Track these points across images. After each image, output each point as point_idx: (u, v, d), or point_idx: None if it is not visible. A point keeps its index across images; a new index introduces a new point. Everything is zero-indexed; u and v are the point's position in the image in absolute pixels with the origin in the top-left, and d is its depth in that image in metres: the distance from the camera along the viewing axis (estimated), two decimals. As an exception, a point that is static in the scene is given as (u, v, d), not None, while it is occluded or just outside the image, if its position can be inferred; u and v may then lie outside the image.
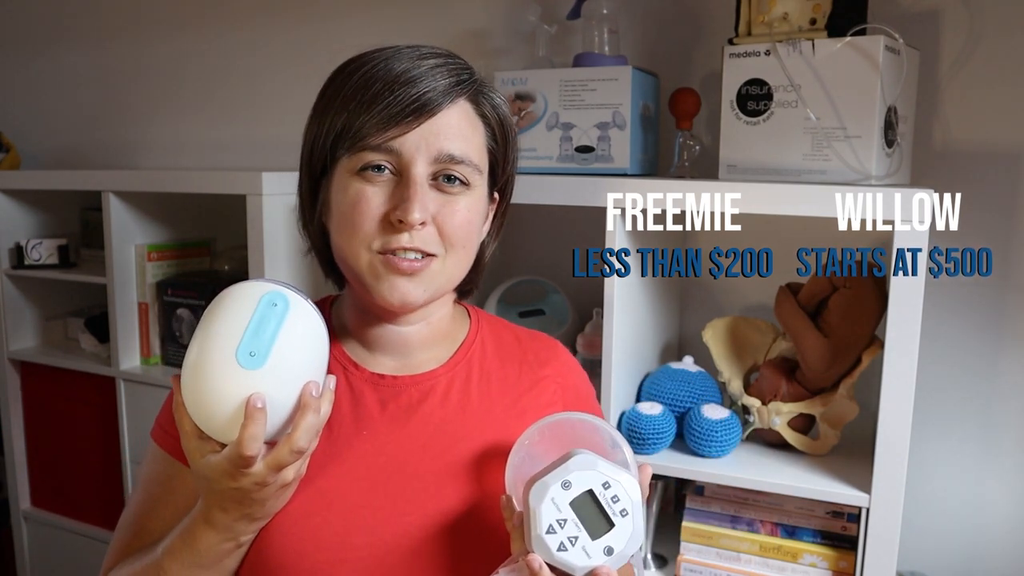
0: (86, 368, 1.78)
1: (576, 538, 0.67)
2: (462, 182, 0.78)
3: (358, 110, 0.75)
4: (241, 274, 1.62)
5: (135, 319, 1.73)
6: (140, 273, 1.73)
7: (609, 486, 0.68)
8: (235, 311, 0.68)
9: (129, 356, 1.73)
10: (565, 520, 0.67)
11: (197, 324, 0.70)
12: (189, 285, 1.69)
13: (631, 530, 0.68)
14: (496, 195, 0.87)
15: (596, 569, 0.67)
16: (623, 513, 0.68)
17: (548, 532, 0.67)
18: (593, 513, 0.67)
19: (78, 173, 1.74)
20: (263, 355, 0.66)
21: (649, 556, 1.30)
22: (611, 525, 0.67)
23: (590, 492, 0.68)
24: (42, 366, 1.87)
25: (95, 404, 1.80)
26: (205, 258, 1.87)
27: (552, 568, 0.67)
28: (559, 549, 0.66)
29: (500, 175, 0.85)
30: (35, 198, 1.93)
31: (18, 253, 1.87)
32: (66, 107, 2.19)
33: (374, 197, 0.75)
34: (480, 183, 0.80)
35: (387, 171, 0.76)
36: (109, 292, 1.69)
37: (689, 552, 1.23)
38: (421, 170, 0.75)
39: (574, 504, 0.67)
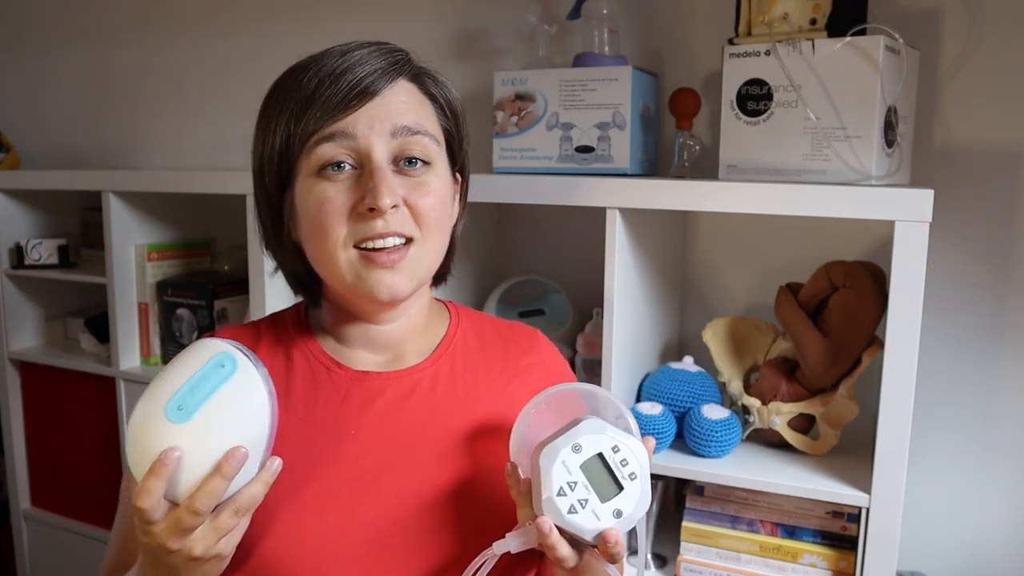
0: (86, 368, 1.78)
1: (586, 501, 0.67)
2: (423, 161, 0.77)
3: (300, 111, 0.74)
4: (241, 274, 1.63)
5: (135, 319, 1.73)
6: (140, 273, 1.73)
7: (619, 450, 0.68)
8: (184, 365, 0.67)
9: (129, 356, 1.73)
10: (575, 483, 0.67)
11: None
12: (189, 285, 1.69)
13: (640, 493, 0.68)
14: (457, 176, 0.86)
15: (605, 532, 0.67)
16: (632, 476, 0.68)
17: (559, 495, 0.67)
18: (603, 476, 0.68)
19: (78, 173, 1.74)
20: (190, 411, 0.65)
21: (649, 556, 1.30)
22: (620, 488, 0.68)
23: (600, 455, 0.68)
24: (42, 366, 1.87)
25: (95, 404, 1.80)
26: (205, 258, 1.87)
27: (561, 531, 0.67)
28: (569, 512, 0.67)
29: (458, 153, 0.84)
30: (35, 198, 1.93)
31: (18, 253, 1.87)
32: (66, 107, 2.19)
33: (338, 194, 0.74)
34: (441, 159, 0.80)
35: (347, 166, 0.75)
36: (109, 292, 1.70)
37: (689, 552, 1.23)
38: (381, 153, 0.74)
39: (584, 467, 0.67)
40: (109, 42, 2.09)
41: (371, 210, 0.73)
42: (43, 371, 1.88)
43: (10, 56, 2.26)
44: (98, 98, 2.13)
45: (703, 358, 1.31)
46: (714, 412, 1.18)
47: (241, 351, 0.69)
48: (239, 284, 1.67)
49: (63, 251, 1.88)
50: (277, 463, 0.70)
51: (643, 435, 0.73)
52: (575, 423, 0.70)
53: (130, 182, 1.65)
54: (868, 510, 1.06)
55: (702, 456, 1.19)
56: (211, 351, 0.68)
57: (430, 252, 0.78)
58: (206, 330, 1.64)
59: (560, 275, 1.55)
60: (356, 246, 0.75)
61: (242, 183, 1.47)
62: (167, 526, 0.65)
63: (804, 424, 1.21)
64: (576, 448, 0.67)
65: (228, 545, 0.68)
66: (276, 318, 0.89)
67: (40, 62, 2.22)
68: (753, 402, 1.21)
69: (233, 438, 0.66)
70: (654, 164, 1.38)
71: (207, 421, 0.65)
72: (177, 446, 0.64)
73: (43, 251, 1.86)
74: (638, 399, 1.29)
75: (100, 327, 1.81)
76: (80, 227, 2.02)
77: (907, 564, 1.37)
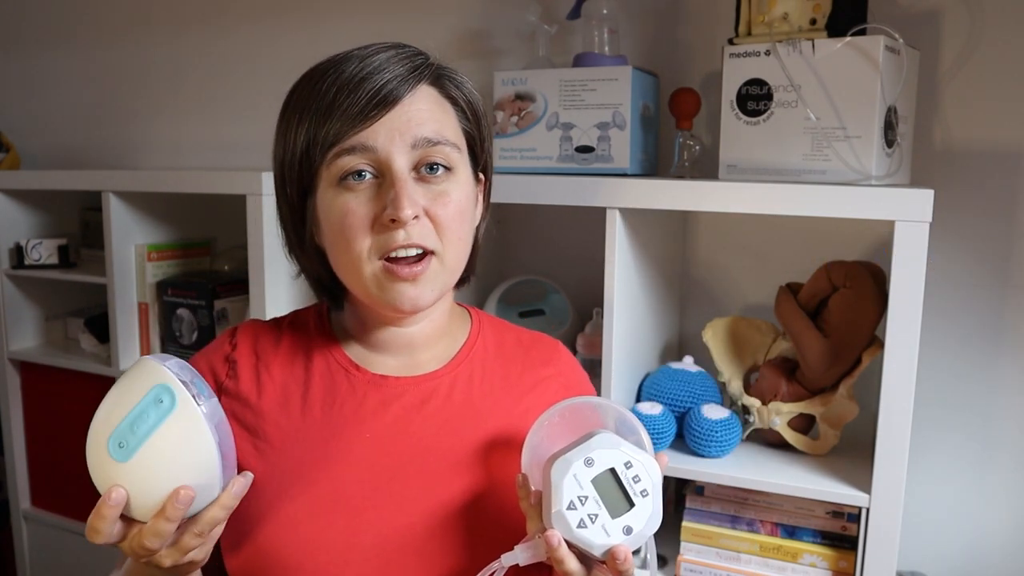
0: (86, 368, 1.78)
1: (596, 516, 0.66)
2: (445, 167, 0.76)
3: (319, 120, 0.74)
4: (241, 274, 1.62)
5: (135, 319, 1.73)
6: (140, 273, 1.73)
7: (631, 466, 0.68)
8: (126, 392, 0.67)
9: (129, 356, 1.73)
10: (586, 497, 0.66)
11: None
12: (189, 285, 1.69)
13: (651, 510, 0.68)
14: (481, 176, 0.86)
15: (614, 548, 0.66)
16: (643, 493, 0.67)
17: (569, 508, 0.66)
18: (614, 492, 0.67)
19: (78, 173, 1.74)
20: (130, 450, 0.65)
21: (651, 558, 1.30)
22: (631, 505, 0.67)
23: (612, 471, 0.67)
24: (42, 366, 1.87)
25: (95, 404, 1.79)
26: (205, 258, 1.87)
27: (570, 546, 0.67)
28: (579, 526, 0.66)
29: (480, 155, 0.84)
30: (35, 198, 1.93)
31: (18, 253, 1.87)
32: (66, 107, 2.19)
33: (360, 206, 0.74)
34: (462, 165, 0.79)
35: (368, 175, 0.74)
36: (109, 292, 1.69)
37: (689, 552, 1.23)
38: (401, 163, 0.74)
39: (596, 482, 0.67)
40: (109, 42, 2.09)
41: (393, 221, 0.73)
42: (43, 371, 1.88)
43: (10, 56, 2.26)
44: (98, 98, 2.13)
45: (703, 358, 1.31)
46: (714, 412, 1.18)
47: (181, 379, 0.67)
48: (239, 284, 1.67)
49: (63, 251, 1.88)
50: (240, 484, 0.69)
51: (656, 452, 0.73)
52: (588, 437, 0.69)
53: (130, 182, 1.65)
54: (868, 510, 1.06)
55: (702, 456, 1.19)
56: (150, 381, 0.67)
57: (451, 262, 0.78)
58: (206, 330, 1.65)
59: (560, 275, 1.55)
60: (381, 258, 0.75)
61: (242, 183, 1.47)
62: (129, 546, 0.67)
63: (804, 424, 1.21)
64: (588, 462, 0.67)
65: (200, 554, 0.70)
66: (297, 319, 0.90)
67: (40, 62, 2.22)
68: (753, 402, 1.21)
69: (175, 476, 0.65)
70: (654, 164, 1.38)
71: (145, 462, 0.65)
72: (123, 485, 0.65)
73: (43, 251, 1.86)
74: (638, 399, 1.29)
75: (100, 327, 1.81)
76: (80, 227, 2.02)
77: (907, 564, 1.37)
